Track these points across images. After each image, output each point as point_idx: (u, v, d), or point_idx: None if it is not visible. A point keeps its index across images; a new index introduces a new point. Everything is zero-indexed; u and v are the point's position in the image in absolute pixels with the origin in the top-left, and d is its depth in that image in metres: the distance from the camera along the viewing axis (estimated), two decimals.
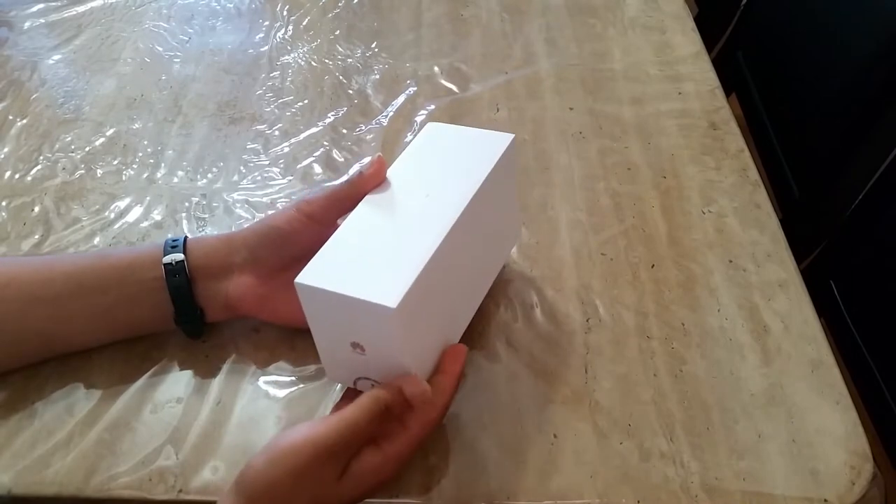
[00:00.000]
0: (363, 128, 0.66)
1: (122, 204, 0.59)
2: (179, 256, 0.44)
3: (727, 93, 0.73)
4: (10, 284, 0.44)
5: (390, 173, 0.45)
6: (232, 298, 0.45)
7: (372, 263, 0.39)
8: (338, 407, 0.42)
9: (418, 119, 0.66)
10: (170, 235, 0.46)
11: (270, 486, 0.35)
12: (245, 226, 0.56)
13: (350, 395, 0.43)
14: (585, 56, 0.73)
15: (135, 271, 0.45)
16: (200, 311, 0.46)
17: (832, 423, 0.45)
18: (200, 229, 0.57)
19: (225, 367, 0.48)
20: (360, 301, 0.36)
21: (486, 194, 0.44)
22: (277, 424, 0.45)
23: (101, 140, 0.64)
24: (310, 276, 0.38)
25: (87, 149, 0.63)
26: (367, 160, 0.62)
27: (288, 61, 0.73)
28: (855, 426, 0.45)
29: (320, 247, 0.43)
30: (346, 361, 0.41)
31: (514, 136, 0.46)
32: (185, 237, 0.46)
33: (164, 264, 0.44)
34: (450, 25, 0.77)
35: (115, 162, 0.62)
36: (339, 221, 0.44)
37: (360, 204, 0.43)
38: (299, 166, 0.62)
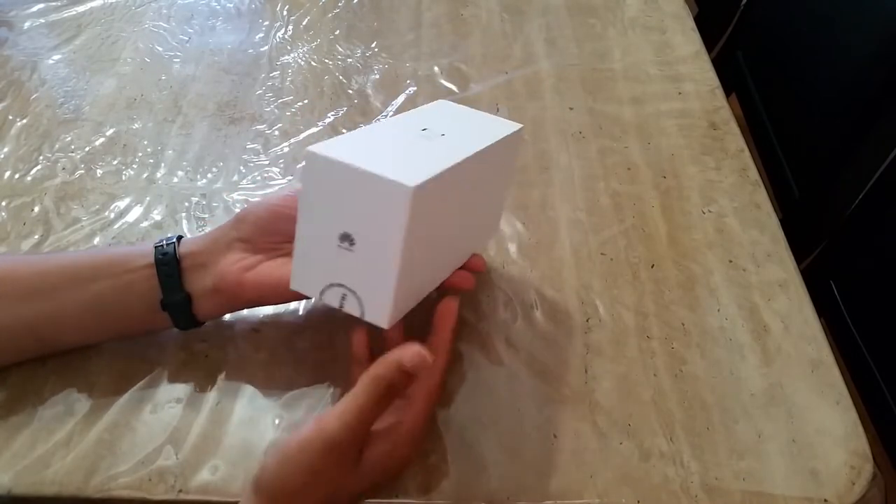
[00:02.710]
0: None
1: (122, 204, 0.59)
2: (171, 239, 0.45)
3: (727, 93, 0.73)
4: (4, 280, 0.44)
5: (398, 118, 0.44)
6: (218, 276, 0.44)
7: (391, 153, 0.38)
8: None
9: None
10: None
11: (284, 486, 0.35)
12: None
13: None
14: (585, 56, 0.73)
15: (127, 260, 0.45)
16: (188, 296, 0.45)
17: (832, 423, 0.45)
18: (200, 229, 0.57)
19: (225, 367, 0.48)
20: (377, 178, 0.34)
21: (489, 164, 0.43)
22: (277, 424, 0.45)
23: (101, 140, 0.64)
24: (325, 147, 0.36)
25: (87, 149, 0.63)
26: None
27: (288, 61, 0.72)
28: (855, 426, 0.45)
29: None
30: (324, 262, 0.38)
31: (522, 126, 0.46)
32: (181, 236, 0.46)
33: (155, 246, 0.45)
34: (450, 25, 0.77)
35: (115, 162, 0.62)
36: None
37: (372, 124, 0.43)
38: (299, 166, 0.62)
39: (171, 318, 0.45)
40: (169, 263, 0.44)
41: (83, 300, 0.44)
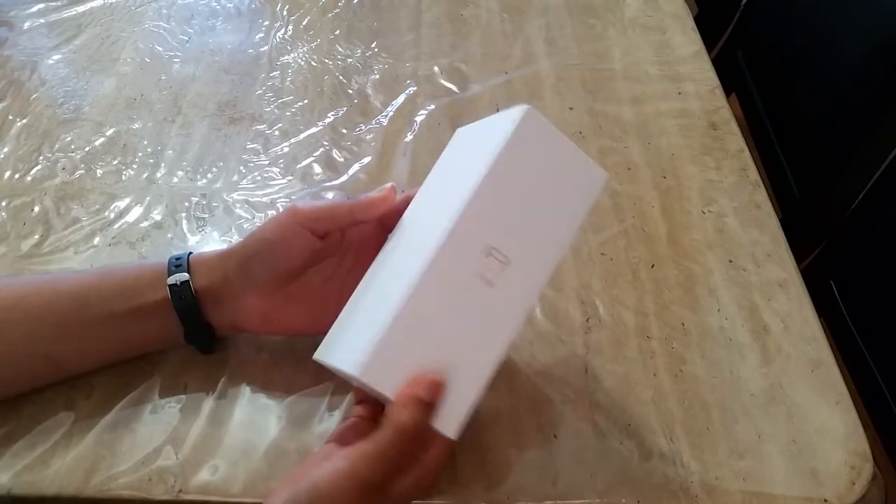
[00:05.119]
0: (363, 128, 0.66)
1: (121, 204, 0.59)
2: (184, 276, 0.43)
3: (727, 93, 0.73)
4: (16, 307, 0.43)
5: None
6: (238, 321, 0.45)
7: (370, 336, 0.37)
8: (353, 425, 0.40)
9: (418, 119, 0.66)
10: (174, 253, 0.45)
11: None
12: (245, 226, 0.57)
13: (361, 400, 0.42)
14: (585, 56, 0.73)
15: (140, 291, 0.44)
16: (209, 327, 0.45)
17: (832, 423, 0.45)
18: (200, 229, 0.57)
19: (225, 368, 0.48)
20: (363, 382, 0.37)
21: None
22: (277, 424, 0.45)
23: (101, 140, 0.64)
24: (324, 352, 0.41)
25: (86, 149, 0.63)
26: (366, 160, 0.62)
27: (288, 61, 0.72)
28: (855, 426, 0.45)
29: (312, 257, 0.43)
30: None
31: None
32: (189, 253, 0.45)
33: (169, 285, 0.43)
34: (450, 25, 0.77)
35: (115, 162, 0.62)
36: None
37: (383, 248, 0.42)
38: (299, 166, 0.62)
39: (194, 347, 0.47)
40: (189, 307, 0.43)
41: (97, 329, 0.44)
